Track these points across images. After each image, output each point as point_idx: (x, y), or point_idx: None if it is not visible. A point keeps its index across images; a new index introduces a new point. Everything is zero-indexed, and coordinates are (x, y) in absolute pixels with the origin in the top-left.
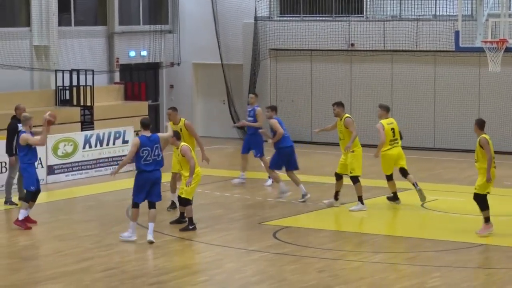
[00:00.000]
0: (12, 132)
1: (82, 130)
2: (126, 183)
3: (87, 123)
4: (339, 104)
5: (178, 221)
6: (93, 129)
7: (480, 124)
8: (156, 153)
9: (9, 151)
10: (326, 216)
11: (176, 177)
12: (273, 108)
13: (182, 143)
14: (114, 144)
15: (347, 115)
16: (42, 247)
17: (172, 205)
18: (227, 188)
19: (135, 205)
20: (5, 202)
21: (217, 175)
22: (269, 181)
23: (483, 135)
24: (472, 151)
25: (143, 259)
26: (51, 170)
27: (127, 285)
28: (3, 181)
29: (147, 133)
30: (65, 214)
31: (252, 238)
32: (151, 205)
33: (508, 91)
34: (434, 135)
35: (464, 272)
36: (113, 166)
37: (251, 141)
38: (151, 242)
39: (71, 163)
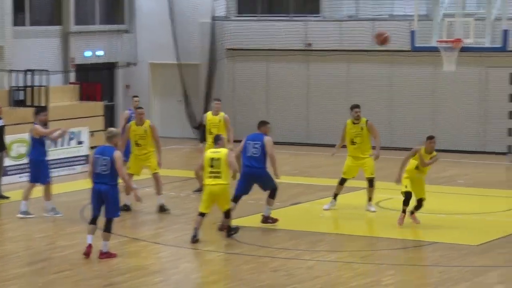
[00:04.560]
0: None
1: None
2: (80, 184)
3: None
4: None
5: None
6: None
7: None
8: None
9: None
10: (281, 216)
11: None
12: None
13: None
14: (69, 145)
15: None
16: None
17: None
18: (183, 188)
19: None
20: None
21: (174, 175)
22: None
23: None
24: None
25: (98, 260)
26: (4, 171)
27: (81, 287)
28: None
29: None
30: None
31: (208, 238)
32: None
33: (463, 90)
34: (391, 134)
35: (418, 270)
36: (68, 167)
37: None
38: None
39: (25, 164)
